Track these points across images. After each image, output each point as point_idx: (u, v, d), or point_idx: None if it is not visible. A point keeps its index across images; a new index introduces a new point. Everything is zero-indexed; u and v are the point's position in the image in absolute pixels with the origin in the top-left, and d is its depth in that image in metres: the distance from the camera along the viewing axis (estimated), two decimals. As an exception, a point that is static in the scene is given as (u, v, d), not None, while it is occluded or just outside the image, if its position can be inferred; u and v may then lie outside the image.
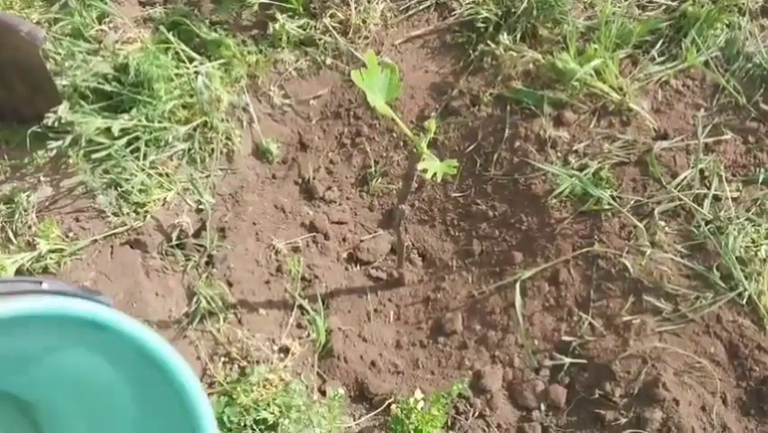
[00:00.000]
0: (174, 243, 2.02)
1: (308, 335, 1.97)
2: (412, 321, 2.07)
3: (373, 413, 1.90)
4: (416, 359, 2.00)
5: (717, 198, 2.01)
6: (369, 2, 2.30)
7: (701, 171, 2.05)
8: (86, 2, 2.23)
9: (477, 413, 1.87)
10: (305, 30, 2.29)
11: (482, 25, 2.30)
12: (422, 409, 1.76)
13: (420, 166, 1.40)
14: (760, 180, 2.03)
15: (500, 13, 2.29)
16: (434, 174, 1.40)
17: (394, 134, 2.30)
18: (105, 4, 2.18)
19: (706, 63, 2.23)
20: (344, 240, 2.20)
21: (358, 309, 2.09)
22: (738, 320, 1.84)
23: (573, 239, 2.03)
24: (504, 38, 2.25)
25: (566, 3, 2.26)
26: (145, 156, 2.07)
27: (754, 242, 1.90)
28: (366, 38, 2.29)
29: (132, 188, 2.02)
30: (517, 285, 1.99)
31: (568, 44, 2.20)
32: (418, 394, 1.80)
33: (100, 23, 2.19)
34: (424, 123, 2.21)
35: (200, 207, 2.11)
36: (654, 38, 2.28)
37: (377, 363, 1.99)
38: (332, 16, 2.29)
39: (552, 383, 1.88)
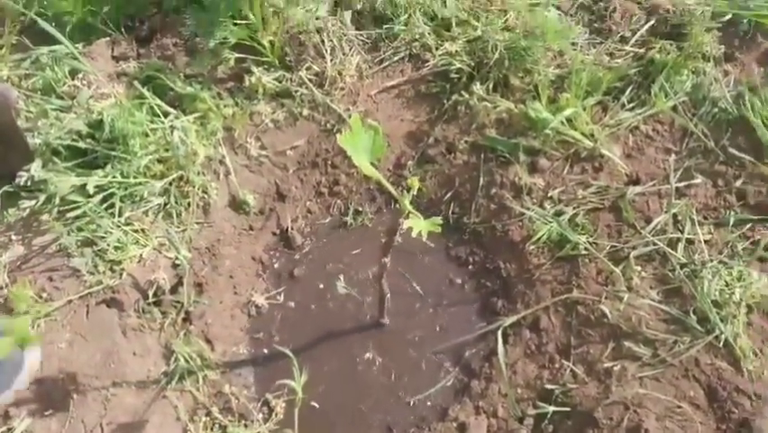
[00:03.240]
0: (151, 300, 1.99)
1: (291, 390, 1.95)
2: (396, 371, 2.05)
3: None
4: (400, 411, 1.98)
5: (690, 242, 2.05)
6: (344, 54, 2.33)
7: (674, 216, 2.09)
8: (57, 58, 2.21)
9: (463, 466, 1.86)
10: (280, 82, 2.30)
11: (456, 76, 2.34)
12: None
13: (406, 224, 1.41)
14: (731, 223, 2.07)
15: (473, 63, 2.34)
16: (420, 232, 1.41)
17: (371, 184, 2.31)
18: (78, 60, 2.17)
19: (674, 108, 2.30)
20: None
21: (340, 360, 2.07)
22: (716, 363, 1.86)
23: (552, 285, 2.05)
24: (477, 88, 2.29)
25: (536, 53, 2.31)
26: (120, 212, 2.05)
27: (728, 285, 1.94)
28: (342, 89, 2.31)
29: (108, 245, 1.99)
30: (499, 332, 2.00)
31: (540, 93, 2.25)
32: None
33: (72, 79, 2.17)
34: (403, 172, 2.25)
35: (177, 262, 2.08)
36: (624, 85, 2.34)
37: (359, 416, 1.97)
38: (307, 69, 2.31)
39: (536, 433, 1.88)
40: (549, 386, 1.91)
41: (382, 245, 1.72)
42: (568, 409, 1.87)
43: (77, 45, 2.27)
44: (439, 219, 1.43)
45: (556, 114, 2.19)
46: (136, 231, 2.06)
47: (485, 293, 2.14)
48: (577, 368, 1.92)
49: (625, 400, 1.83)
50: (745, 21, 2.42)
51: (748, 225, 2.07)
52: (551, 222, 2.09)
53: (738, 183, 2.15)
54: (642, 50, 2.39)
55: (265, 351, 2.05)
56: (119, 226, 2.04)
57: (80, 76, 2.18)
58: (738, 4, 2.41)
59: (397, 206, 1.80)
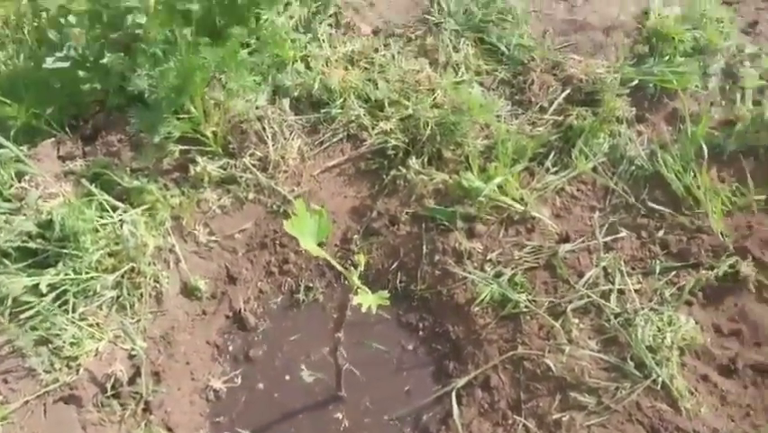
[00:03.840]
0: (109, 393, 2.01)
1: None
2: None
3: None
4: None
5: (621, 292, 2.20)
6: (285, 139, 2.45)
7: (604, 269, 2.24)
8: (3, 161, 2.26)
9: None
10: (225, 169, 2.40)
11: (392, 152, 2.49)
12: None
13: (355, 301, 1.50)
14: (657, 272, 2.24)
15: (407, 140, 2.49)
16: (369, 306, 1.50)
17: (320, 261, 2.40)
18: (23, 162, 2.23)
19: (594, 169, 2.49)
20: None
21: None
22: (656, 405, 1.98)
23: (499, 343, 2.16)
24: (413, 162, 2.44)
25: (464, 127, 2.48)
26: (74, 308, 2.08)
27: (659, 330, 2.08)
28: (285, 172, 2.42)
29: (64, 342, 2.01)
30: (453, 394, 2.08)
31: (471, 164, 2.41)
32: None
33: (19, 181, 2.22)
34: (350, 246, 2.35)
35: (133, 352, 2.11)
36: (547, 150, 2.52)
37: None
38: (251, 155, 2.42)
39: (496, 490, 1.94)
40: (504, 443, 1.99)
41: (335, 320, 1.80)
42: (524, 463, 1.95)
43: (21, 147, 2.33)
44: (386, 293, 1.52)
45: (488, 182, 2.35)
46: (91, 325, 2.09)
47: (437, 357, 2.23)
48: (529, 422, 2.01)
49: (576, 450, 1.93)
50: (651, 85, 2.66)
51: (673, 272, 2.23)
52: (492, 283, 2.21)
53: (660, 234, 2.33)
54: (560, 118, 2.59)
55: (227, 435, 2.08)
56: (73, 322, 2.06)
57: (27, 177, 2.23)
58: (644, 71, 2.66)
59: (347, 280, 1.90)
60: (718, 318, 2.18)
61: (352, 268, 1.61)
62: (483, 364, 2.13)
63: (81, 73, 2.32)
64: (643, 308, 2.15)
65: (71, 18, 2.29)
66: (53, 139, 2.41)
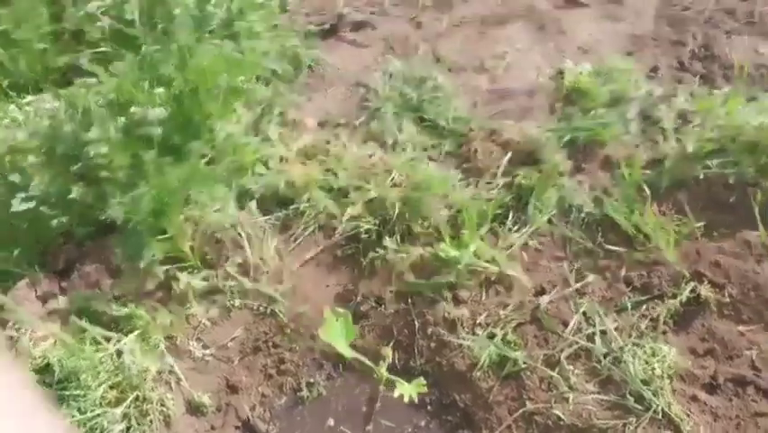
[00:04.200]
0: None
1: None
2: None
3: None
4: None
5: (603, 333, 2.37)
6: (261, 241, 2.50)
7: (584, 314, 2.41)
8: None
9: None
10: (207, 281, 2.42)
11: (365, 235, 2.60)
12: None
13: (397, 392, 1.57)
14: (629, 308, 2.43)
15: (377, 222, 2.61)
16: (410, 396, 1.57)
17: (315, 354, 2.44)
18: (4, 310, 2.17)
19: (550, 221, 2.69)
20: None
21: None
22: (661, 433, 2.14)
23: (507, 403, 2.26)
24: (388, 242, 2.55)
25: (427, 201, 2.63)
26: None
27: (647, 362, 2.26)
28: (266, 272, 2.47)
29: (79, 491, 1.94)
30: (473, 462, 2.16)
31: (443, 236, 2.55)
32: None
33: (4, 328, 2.16)
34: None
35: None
36: (504, 211, 2.71)
37: None
38: (230, 263, 2.45)
39: None
40: (534, 498, 2.08)
41: (365, 415, 1.85)
42: None
43: (-7, 294, 2.27)
44: (422, 380, 1.61)
45: (461, 250, 2.49)
46: (106, 467, 2.03)
47: (450, 428, 2.30)
48: (552, 473, 2.11)
49: (601, 491, 2.04)
50: (580, 138, 2.92)
51: (643, 306, 2.43)
52: (488, 346, 2.33)
53: (623, 272, 2.53)
54: (510, 179, 2.79)
55: None
56: (89, 466, 2.00)
57: (12, 324, 2.17)
58: (572, 127, 2.92)
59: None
60: (691, 341, 2.38)
61: (381, 361, 1.68)
62: (497, 427, 2.23)
63: (46, 210, 2.30)
64: (626, 345, 2.32)
65: (30, 158, 2.28)
66: (26, 280, 2.35)
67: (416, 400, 1.60)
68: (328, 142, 2.88)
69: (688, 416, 2.15)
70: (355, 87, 3.19)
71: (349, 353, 1.58)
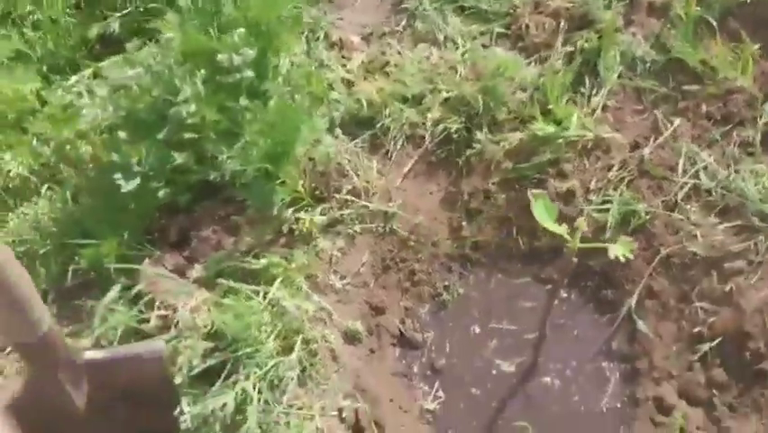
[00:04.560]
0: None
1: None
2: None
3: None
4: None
5: (705, 168, 2.47)
6: (362, 166, 2.48)
7: (685, 154, 2.50)
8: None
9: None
10: (326, 215, 2.41)
11: (456, 135, 2.60)
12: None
13: (612, 253, 1.63)
14: (719, 139, 2.53)
15: (463, 119, 2.61)
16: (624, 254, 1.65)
17: (441, 258, 2.50)
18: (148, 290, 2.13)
19: (620, 76, 2.73)
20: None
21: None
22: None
23: (642, 255, 2.37)
24: (480, 135, 2.56)
25: (502, 87, 2.63)
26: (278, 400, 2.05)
27: (756, 182, 2.37)
28: (375, 194, 2.46)
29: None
30: (631, 312, 2.28)
31: (529, 115, 2.57)
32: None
33: (153, 309, 2.13)
34: (461, 234, 2.45)
35: (343, 415, 2.12)
36: (577, 77, 2.73)
37: None
38: (339, 192, 2.43)
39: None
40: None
41: (555, 284, 1.93)
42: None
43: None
44: (630, 239, 1.68)
45: (556, 124, 2.53)
46: (300, 408, 2.07)
47: (591, 292, 2.42)
48: (703, 304, 2.25)
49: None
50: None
51: (731, 135, 2.53)
52: (601, 212, 2.41)
53: (703, 109, 2.62)
54: (571, 48, 2.80)
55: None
56: (287, 414, 2.04)
57: (158, 303, 2.14)
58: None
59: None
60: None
61: (575, 233, 1.74)
62: (639, 279, 2.35)
63: (154, 184, 2.22)
64: (729, 173, 2.44)
65: (121, 134, 2.18)
66: (148, 260, 2.30)
67: (630, 257, 1.67)
68: (384, 53, 2.82)
69: (808, 223, 2.30)
70: (383, -8, 3.10)
71: (555, 227, 1.64)
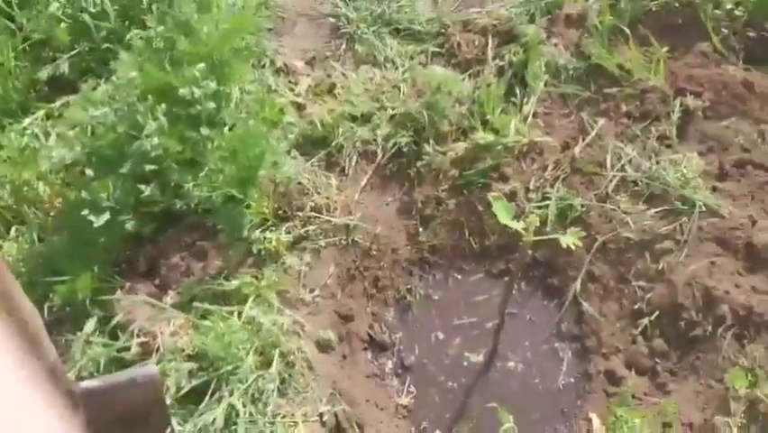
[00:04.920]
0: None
1: None
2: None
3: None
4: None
5: (630, 161, 2.73)
6: (320, 183, 2.63)
7: (610, 151, 2.76)
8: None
9: None
10: (291, 232, 2.54)
11: (405, 149, 2.78)
12: None
13: (564, 243, 1.84)
14: (639, 135, 2.81)
15: (411, 133, 2.80)
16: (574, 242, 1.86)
17: (402, 263, 2.67)
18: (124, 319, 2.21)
19: (546, 84, 2.99)
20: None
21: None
22: (710, 221, 2.56)
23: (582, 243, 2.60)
24: (427, 148, 2.76)
25: (444, 101, 2.83)
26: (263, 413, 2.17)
27: (675, 170, 2.65)
28: (335, 208, 2.61)
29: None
30: (576, 295, 2.51)
31: (470, 127, 2.79)
32: None
33: (132, 337, 2.21)
34: (420, 239, 2.63)
35: (324, 419, 2.25)
36: (508, 89, 2.96)
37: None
38: (302, 210, 2.57)
39: None
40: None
41: (511, 274, 2.13)
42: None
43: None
44: (577, 229, 1.89)
45: (495, 133, 2.75)
46: (284, 417, 2.19)
47: (539, 281, 2.64)
48: (639, 282, 2.50)
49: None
50: (542, 4, 3.19)
51: (649, 130, 2.81)
52: (541, 209, 2.64)
53: (623, 108, 2.90)
54: (501, 63, 3.03)
55: None
56: (272, 424, 2.15)
57: (134, 330, 2.22)
58: (528, -1, 3.19)
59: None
60: (693, 146, 2.80)
61: (527, 228, 1.94)
62: (581, 265, 2.58)
63: (122, 217, 2.31)
64: (651, 164, 2.72)
65: (88, 171, 2.26)
66: (122, 290, 2.37)
67: (578, 246, 1.88)
68: (329, 76, 2.98)
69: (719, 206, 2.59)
70: (320, 19, 3.26)
71: (513, 224, 1.84)
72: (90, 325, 2.26)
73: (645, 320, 2.44)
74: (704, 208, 2.58)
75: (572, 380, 2.44)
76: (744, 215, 2.57)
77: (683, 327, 2.41)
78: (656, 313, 2.44)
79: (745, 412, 2.19)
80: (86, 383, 1.84)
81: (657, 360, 2.40)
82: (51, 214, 2.50)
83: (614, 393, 2.35)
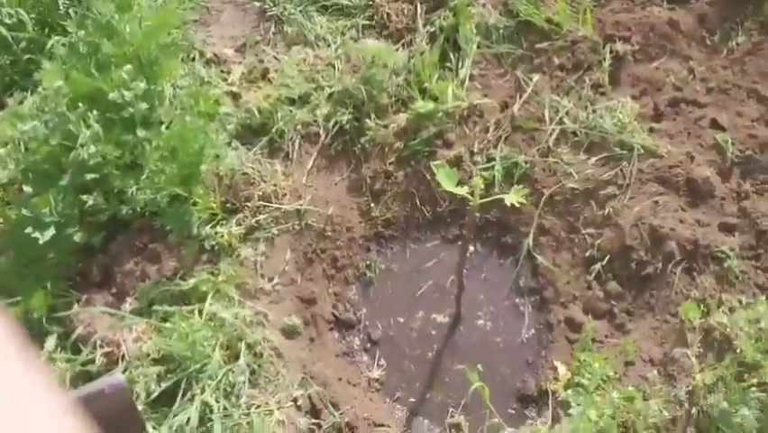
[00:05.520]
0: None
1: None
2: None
3: None
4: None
5: (568, 113, 2.79)
6: (266, 171, 2.62)
7: (548, 105, 2.81)
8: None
9: None
10: (241, 224, 2.53)
11: (347, 126, 2.78)
12: None
13: (508, 201, 1.88)
14: (574, 86, 2.86)
15: (351, 110, 2.79)
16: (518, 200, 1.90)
17: (358, 240, 2.69)
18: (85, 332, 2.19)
19: (479, 46, 3.01)
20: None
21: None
22: (649, 162, 2.65)
23: (529, 199, 2.66)
24: (369, 123, 2.76)
25: (380, 74, 2.83)
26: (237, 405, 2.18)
27: (612, 117, 2.72)
28: (284, 195, 2.61)
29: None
30: (529, 250, 2.57)
31: (409, 96, 2.80)
32: None
33: (95, 349, 2.19)
34: (373, 214, 2.66)
35: (299, 403, 2.28)
36: (441, 54, 2.98)
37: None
38: (249, 200, 2.56)
39: None
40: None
41: (464, 237, 2.17)
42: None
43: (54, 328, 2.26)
44: (520, 187, 1.93)
45: (437, 100, 2.77)
46: (258, 406, 2.21)
47: (493, 240, 2.69)
48: (588, 232, 2.57)
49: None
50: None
51: (583, 80, 2.87)
52: (487, 170, 2.68)
53: (555, 61, 2.95)
54: (432, 28, 3.04)
55: None
56: (247, 415, 2.17)
57: (97, 341, 2.20)
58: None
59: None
60: (626, 90, 2.88)
61: (475, 191, 1.97)
62: (532, 220, 2.64)
63: (69, 230, 2.27)
64: (588, 114, 2.78)
65: (26, 188, 2.21)
66: (78, 303, 2.34)
67: (523, 204, 1.92)
68: (261, 61, 2.95)
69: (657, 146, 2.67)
70: (246, 4, 3.21)
71: (458, 190, 1.87)
72: (51, 342, 2.24)
73: (598, 266, 2.52)
74: (642, 150, 2.66)
75: (534, 331, 2.51)
76: (681, 152, 2.66)
77: (635, 268, 2.49)
78: (607, 257, 2.52)
79: (701, 342, 2.29)
80: (52, 402, 1.83)
81: (613, 302, 2.49)
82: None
83: (575, 340, 2.43)
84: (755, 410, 2.09)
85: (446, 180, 1.87)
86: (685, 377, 2.24)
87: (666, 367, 2.29)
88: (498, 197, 1.98)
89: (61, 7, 2.70)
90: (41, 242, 2.17)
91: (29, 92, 2.62)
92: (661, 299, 2.44)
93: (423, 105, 2.75)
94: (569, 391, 2.13)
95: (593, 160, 2.66)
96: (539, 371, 2.42)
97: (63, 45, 2.41)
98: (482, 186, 1.97)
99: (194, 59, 2.94)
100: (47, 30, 2.76)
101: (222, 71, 2.95)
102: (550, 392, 2.31)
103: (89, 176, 2.29)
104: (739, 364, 2.20)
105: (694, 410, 2.16)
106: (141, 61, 2.38)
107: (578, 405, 2.00)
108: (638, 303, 2.47)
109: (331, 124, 2.78)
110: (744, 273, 2.43)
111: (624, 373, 2.30)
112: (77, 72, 2.27)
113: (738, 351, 2.22)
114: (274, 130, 2.75)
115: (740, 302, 2.35)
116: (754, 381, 2.15)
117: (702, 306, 2.35)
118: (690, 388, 2.19)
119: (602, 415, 2.03)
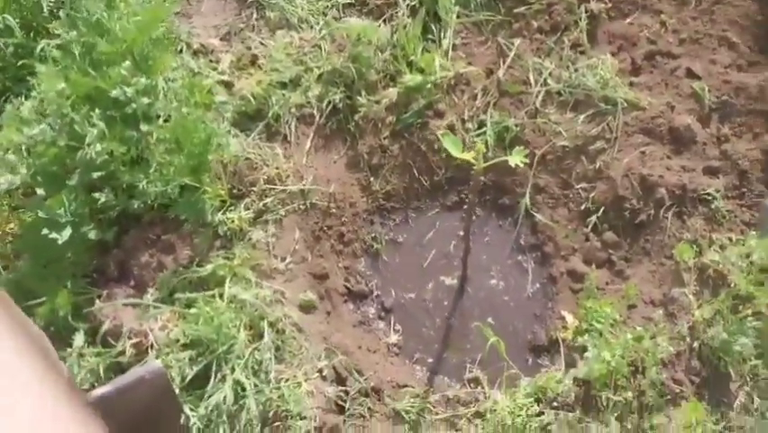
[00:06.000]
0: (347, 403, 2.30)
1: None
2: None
3: None
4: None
5: (551, 74, 2.89)
6: (267, 155, 2.68)
7: (531, 68, 2.91)
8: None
9: None
10: (249, 208, 2.60)
11: (340, 105, 2.85)
12: None
13: (512, 162, 1.98)
14: (553, 46, 2.96)
15: (343, 89, 2.86)
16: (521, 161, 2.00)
17: (362, 214, 2.78)
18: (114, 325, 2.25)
19: (458, 16, 3.09)
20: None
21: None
22: (633, 114, 2.76)
23: (524, 160, 2.77)
24: (361, 99, 2.83)
25: (366, 51, 2.90)
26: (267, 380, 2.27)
27: (594, 74, 2.83)
28: (287, 177, 2.68)
29: (289, 406, 2.22)
30: (528, 207, 2.69)
31: (397, 70, 2.87)
32: None
33: (126, 338, 2.25)
34: (374, 188, 2.73)
35: (324, 374, 2.38)
36: (425, 26, 3.05)
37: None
38: (255, 184, 2.63)
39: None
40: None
41: (469, 202, 2.26)
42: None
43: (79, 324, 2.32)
44: (521, 148, 2.03)
45: (424, 72, 2.85)
46: (287, 380, 2.30)
47: (492, 202, 2.80)
48: (580, 186, 2.69)
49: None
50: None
51: (562, 41, 2.97)
52: (480, 136, 2.78)
53: (534, 24, 3.04)
54: (410, 2, 3.11)
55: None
56: (278, 389, 2.26)
57: (126, 331, 2.27)
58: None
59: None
60: (604, 47, 2.99)
61: (479, 156, 2.06)
62: (526, 182, 2.75)
63: (84, 228, 2.31)
64: (570, 73, 2.88)
65: (39, 191, 2.25)
66: (99, 299, 2.40)
67: (525, 163, 2.03)
68: (249, 48, 2.99)
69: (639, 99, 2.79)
70: (224, -8, 3.24)
71: (463, 155, 1.97)
72: (79, 339, 2.29)
73: (593, 218, 2.64)
74: (626, 104, 2.77)
75: (539, 286, 2.63)
76: (662, 102, 2.78)
77: (628, 217, 2.62)
78: (602, 209, 2.65)
79: (696, 280, 2.44)
80: (98, 391, 1.89)
81: (611, 251, 2.62)
82: (8, 241, 2.48)
83: (579, 289, 2.56)
84: (753, 338, 2.25)
85: (453, 147, 1.96)
86: (685, 314, 2.39)
87: (667, 307, 2.44)
88: (502, 159, 2.07)
89: (45, 10, 2.70)
90: (60, 242, 2.21)
91: (23, 97, 2.64)
92: (655, 244, 2.58)
93: (411, 79, 2.83)
94: (585, 337, 2.26)
95: (580, 117, 2.78)
96: (548, 322, 2.55)
97: (54, 48, 2.42)
98: (484, 150, 2.06)
99: (181, 51, 2.97)
100: (32, 34, 2.76)
101: (210, 61, 2.99)
102: (560, 341, 2.44)
103: (98, 174, 2.33)
104: (734, 298, 2.35)
105: (696, 344, 2.32)
106: (135, 57, 2.41)
107: (594, 347, 2.13)
108: (635, 249, 2.61)
109: (324, 104, 2.84)
110: (730, 212, 2.58)
111: (628, 316, 2.44)
112: (76, 73, 2.30)
113: (732, 285, 2.37)
114: (270, 114, 2.80)
115: (730, 240, 2.50)
116: (749, 311, 2.31)
117: (695, 246, 2.49)
118: (691, 324, 2.34)
119: (614, 355, 2.17)
